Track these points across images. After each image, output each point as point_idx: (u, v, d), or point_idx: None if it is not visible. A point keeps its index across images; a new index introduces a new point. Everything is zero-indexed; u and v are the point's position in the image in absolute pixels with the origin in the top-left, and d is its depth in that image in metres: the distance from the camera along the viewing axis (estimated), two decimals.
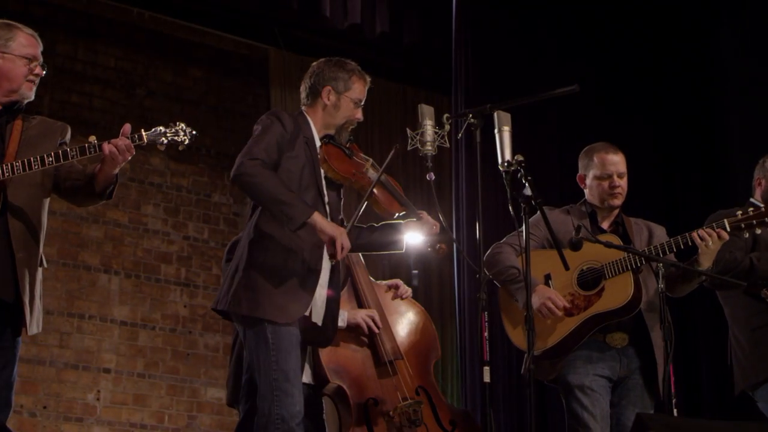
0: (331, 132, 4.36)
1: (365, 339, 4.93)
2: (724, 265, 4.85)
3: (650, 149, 7.71)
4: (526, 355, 4.37)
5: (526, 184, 4.03)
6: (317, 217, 4.00)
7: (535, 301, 4.63)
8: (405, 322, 5.13)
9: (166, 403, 7.72)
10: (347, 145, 4.38)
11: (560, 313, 4.62)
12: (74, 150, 4.03)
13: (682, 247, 4.64)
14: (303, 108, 4.41)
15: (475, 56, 7.75)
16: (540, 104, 6.60)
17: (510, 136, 4.15)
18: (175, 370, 7.83)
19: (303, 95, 4.42)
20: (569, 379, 4.73)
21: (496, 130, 4.17)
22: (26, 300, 4.01)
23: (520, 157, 4.06)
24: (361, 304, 5.03)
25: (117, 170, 4.14)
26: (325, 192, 4.29)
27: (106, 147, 4.02)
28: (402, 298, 5.13)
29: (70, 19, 7.94)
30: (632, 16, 7.94)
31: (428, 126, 4.23)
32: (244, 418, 4.41)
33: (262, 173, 4.01)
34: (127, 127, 4.10)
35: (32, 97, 4.23)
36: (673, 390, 4.38)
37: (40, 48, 4.25)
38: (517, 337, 4.81)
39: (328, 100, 4.33)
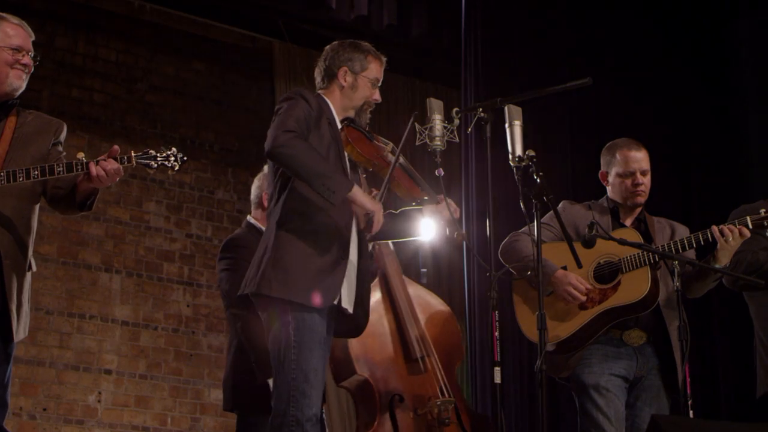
0: (350, 115, 4.29)
1: (396, 334, 4.93)
2: (747, 266, 4.78)
3: (665, 144, 7.60)
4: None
5: (538, 180, 3.95)
6: (357, 191, 3.95)
7: (557, 288, 4.59)
8: (434, 320, 5.13)
9: (168, 405, 7.70)
10: (367, 129, 4.32)
11: (583, 298, 4.57)
12: (61, 167, 3.97)
13: (702, 243, 4.58)
14: (320, 92, 4.32)
15: (485, 48, 7.67)
16: (552, 98, 6.51)
17: (521, 130, 4.07)
18: (178, 371, 7.80)
19: (318, 79, 4.34)
20: (583, 379, 4.65)
21: (506, 125, 4.08)
22: (13, 307, 3.97)
23: (531, 152, 3.99)
24: (392, 299, 5.04)
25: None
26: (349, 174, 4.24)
27: (94, 169, 3.96)
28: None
29: (70, 11, 7.88)
30: (648, 6, 7.85)
31: (437, 120, 4.15)
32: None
33: (299, 145, 3.92)
34: (116, 149, 4.04)
35: (23, 87, 4.15)
36: (689, 391, 4.32)
37: (31, 37, 4.19)
38: (531, 330, 4.70)
39: (345, 81, 4.26)
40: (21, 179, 3.92)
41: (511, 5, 7.84)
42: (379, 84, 4.33)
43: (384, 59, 4.37)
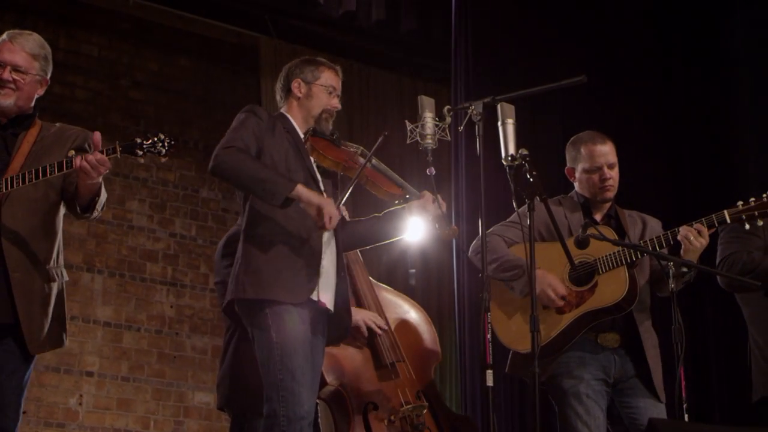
0: (311, 125, 4.36)
1: (365, 340, 4.86)
2: (743, 266, 4.75)
3: (658, 140, 7.56)
4: (510, 353, 4.64)
5: (531, 179, 3.89)
6: (301, 189, 3.98)
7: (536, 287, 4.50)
8: (406, 323, 5.06)
9: (151, 407, 7.68)
10: (333, 137, 4.33)
11: (560, 303, 4.51)
12: (53, 166, 3.92)
13: (671, 243, 4.52)
14: (281, 110, 4.43)
15: (476, 45, 7.61)
16: (545, 95, 6.43)
17: (514, 128, 4.00)
18: (161, 374, 7.77)
19: (278, 98, 4.47)
20: (562, 385, 4.58)
21: (499, 123, 4.02)
22: (26, 321, 3.92)
23: (524, 151, 3.92)
24: (360, 304, 4.95)
25: (97, 181, 4.00)
26: (320, 179, 4.28)
27: (78, 161, 3.89)
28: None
29: (50, 5, 7.83)
30: (639, 2, 7.78)
31: (428, 118, 4.10)
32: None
33: (236, 157, 4.00)
34: (97, 136, 3.98)
35: (10, 103, 4.03)
36: (684, 394, 4.21)
37: (9, 49, 4.08)
38: (505, 334, 4.67)
39: (300, 92, 4.36)
40: (17, 185, 3.89)
41: (503, 0, 7.76)
42: (337, 93, 4.40)
43: (339, 69, 4.45)
